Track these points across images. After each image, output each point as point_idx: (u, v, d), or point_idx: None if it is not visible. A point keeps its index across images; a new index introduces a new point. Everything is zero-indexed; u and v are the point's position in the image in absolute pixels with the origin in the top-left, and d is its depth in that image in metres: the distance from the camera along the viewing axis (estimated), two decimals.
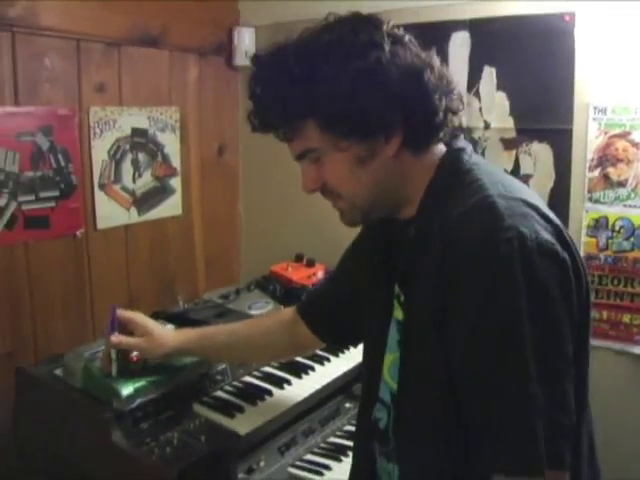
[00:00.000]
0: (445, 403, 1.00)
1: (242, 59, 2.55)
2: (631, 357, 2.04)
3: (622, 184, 1.99)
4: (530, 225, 0.94)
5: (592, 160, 2.01)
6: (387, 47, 0.99)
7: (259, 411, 1.65)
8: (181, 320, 1.81)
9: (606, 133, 1.99)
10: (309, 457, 1.88)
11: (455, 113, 1.08)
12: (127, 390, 1.45)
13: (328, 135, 1.01)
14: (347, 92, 0.97)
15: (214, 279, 2.61)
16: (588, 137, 2.01)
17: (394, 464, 1.16)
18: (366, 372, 1.28)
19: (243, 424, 1.58)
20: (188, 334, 1.56)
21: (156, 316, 1.89)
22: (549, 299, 0.92)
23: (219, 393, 1.71)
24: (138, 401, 1.47)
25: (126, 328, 1.48)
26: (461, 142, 1.12)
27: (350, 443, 1.95)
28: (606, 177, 2.00)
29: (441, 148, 1.10)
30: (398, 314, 1.12)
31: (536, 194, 1.08)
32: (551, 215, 1.01)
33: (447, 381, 0.99)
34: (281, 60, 1.00)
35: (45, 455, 1.63)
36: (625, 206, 1.99)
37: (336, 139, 1.01)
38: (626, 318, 2.02)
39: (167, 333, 1.54)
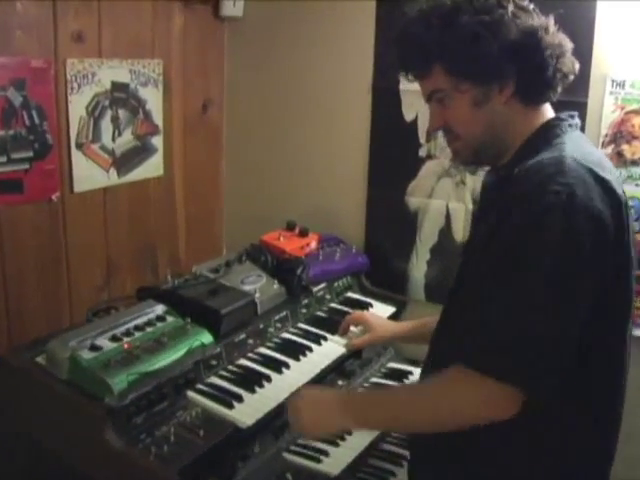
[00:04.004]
0: None
1: (229, 9, 2.35)
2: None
3: (636, 163, 1.92)
4: (587, 192, 1.04)
5: (606, 136, 1.94)
6: (510, 8, 1.17)
7: (259, 399, 1.55)
8: (171, 298, 1.67)
9: (622, 108, 1.91)
10: (303, 441, 1.80)
11: (566, 76, 1.21)
12: (120, 385, 1.32)
13: (452, 77, 1.19)
14: (470, 40, 1.14)
15: (196, 244, 2.48)
16: (603, 111, 1.93)
17: None
18: None
19: (243, 415, 1.49)
20: (402, 324, 1.91)
21: (143, 293, 1.76)
22: (577, 255, 1.03)
23: (215, 379, 1.60)
24: (131, 396, 1.35)
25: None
26: (568, 116, 1.24)
27: None
28: (620, 154, 1.94)
29: (548, 113, 1.24)
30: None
31: (615, 173, 1.19)
32: (619, 191, 1.11)
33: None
34: (423, 14, 1.20)
35: (30, 453, 1.50)
36: (637, 185, 1.92)
37: (458, 81, 1.18)
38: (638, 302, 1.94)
39: (385, 324, 1.91)
